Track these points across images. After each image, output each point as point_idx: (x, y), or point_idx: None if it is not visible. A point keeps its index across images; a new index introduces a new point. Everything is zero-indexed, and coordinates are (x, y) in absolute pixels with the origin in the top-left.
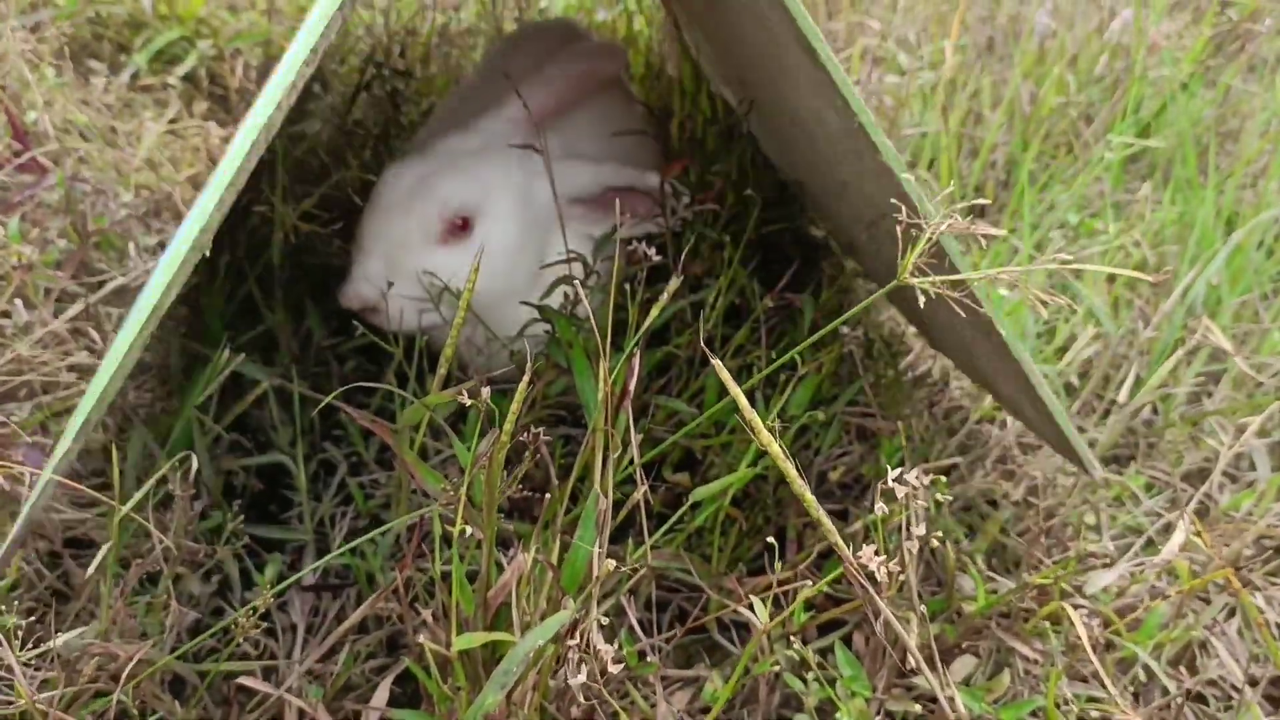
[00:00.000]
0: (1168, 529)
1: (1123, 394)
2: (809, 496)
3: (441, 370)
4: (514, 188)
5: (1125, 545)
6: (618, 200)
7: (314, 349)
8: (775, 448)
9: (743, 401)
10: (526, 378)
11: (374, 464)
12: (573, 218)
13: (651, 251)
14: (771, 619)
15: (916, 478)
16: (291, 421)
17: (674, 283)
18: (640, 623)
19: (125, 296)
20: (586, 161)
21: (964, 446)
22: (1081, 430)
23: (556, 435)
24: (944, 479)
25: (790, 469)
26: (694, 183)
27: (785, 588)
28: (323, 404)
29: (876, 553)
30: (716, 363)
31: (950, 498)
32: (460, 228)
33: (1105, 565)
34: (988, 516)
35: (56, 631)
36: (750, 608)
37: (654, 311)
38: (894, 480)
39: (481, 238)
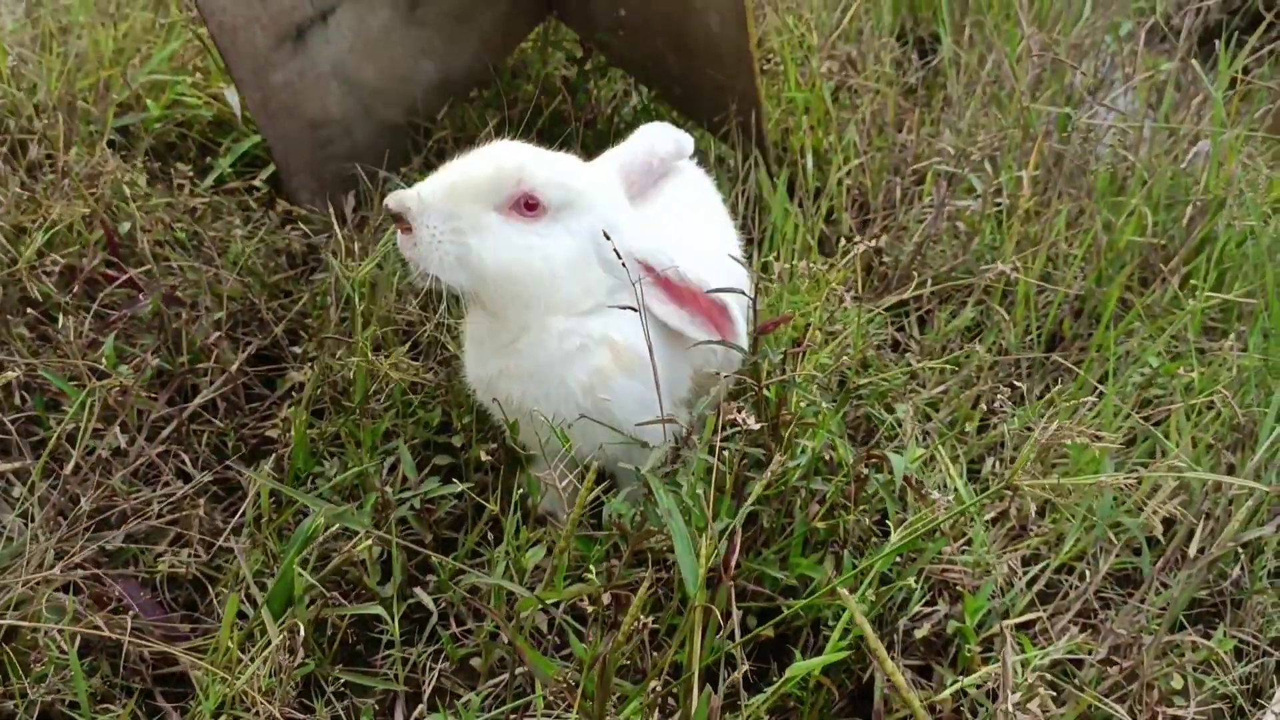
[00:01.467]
0: (1256, 696)
1: (1192, 547)
2: (909, 698)
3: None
4: (592, 207)
5: (1215, 714)
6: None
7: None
8: (869, 631)
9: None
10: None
11: (463, 609)
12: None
13: (750, 419)
14: None
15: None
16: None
17: (775, 465)
18: None
19: (214, 410)
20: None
21: (1044, 595)
22: (1165, 586)
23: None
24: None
25: (883, 652)
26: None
27: None
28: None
29: None
30: (847, 598)
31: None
32: (529, 207)
33: None
34: (1072, 675)
35: None
36: None
37: (756, 489)
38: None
39: (544, 231)
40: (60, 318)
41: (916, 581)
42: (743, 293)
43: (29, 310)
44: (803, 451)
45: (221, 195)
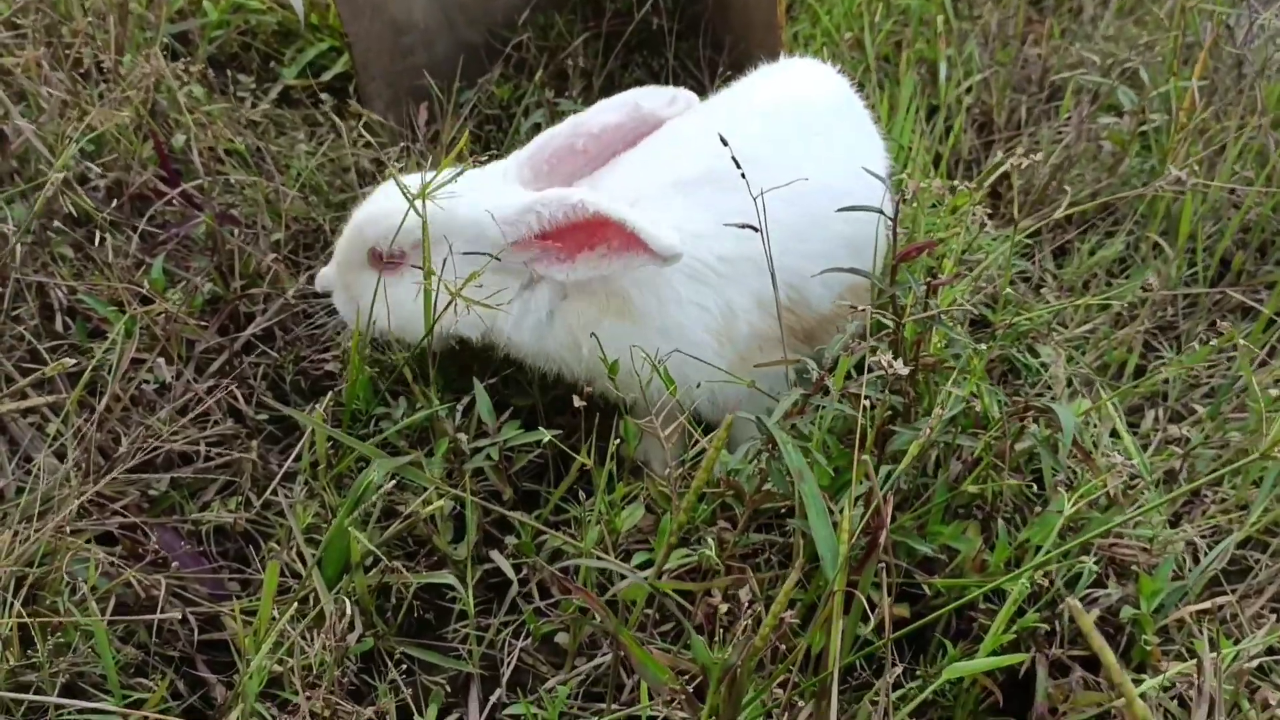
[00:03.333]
0: None
1: None
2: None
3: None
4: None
5: None
6: None
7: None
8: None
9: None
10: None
11: (546, 573)
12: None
13: (898, 364)
14: None
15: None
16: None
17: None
18: None
19: (271, 343)
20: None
21: (1228, 574)
22: None
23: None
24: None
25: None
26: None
27: None
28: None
29: None
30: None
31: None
32: (389, 260)
33: None
34: (1268, 672)
35: None
36: None
37: (912, 449)
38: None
39: (416, 276)
40: (102, 236)
41: (1087, 558)
42: (881, 211)
43: (73, 228)
44: (950, 400)
45: (285, 108)
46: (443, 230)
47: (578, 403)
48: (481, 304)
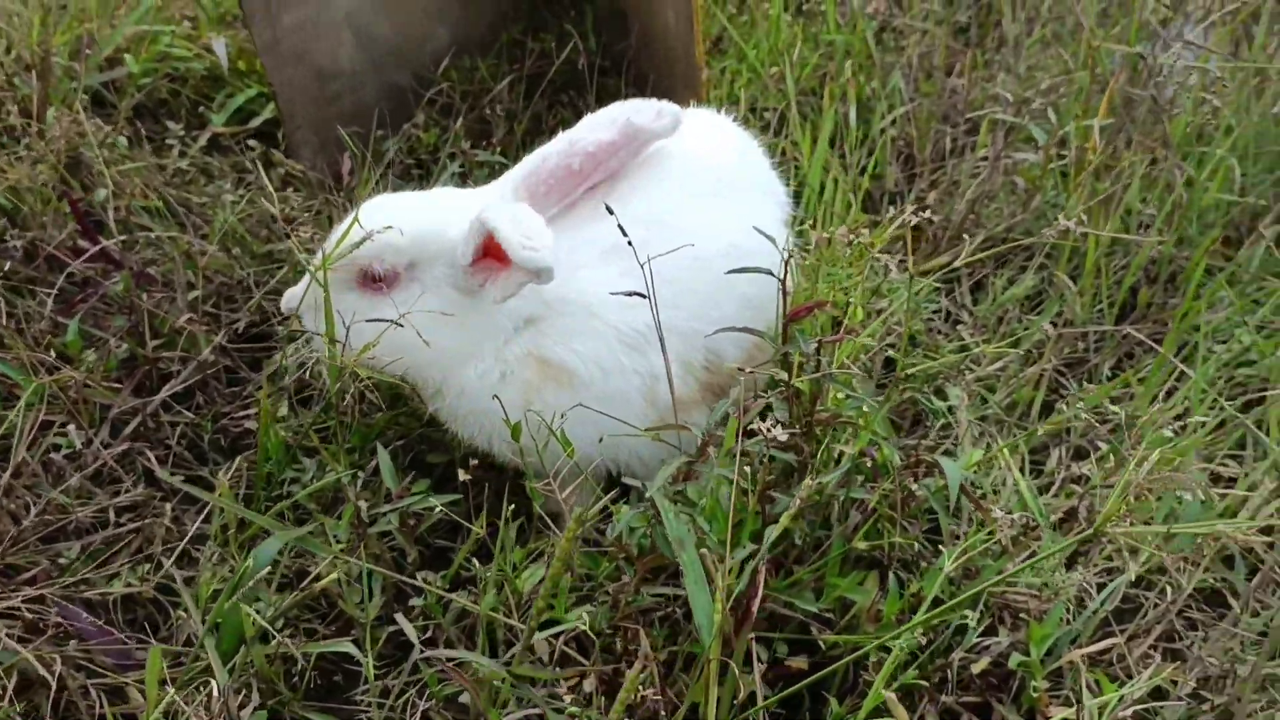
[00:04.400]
0: None
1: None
2: None
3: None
4: (441, 252)
5: None
6: None
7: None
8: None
9: None
10: None
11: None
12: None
13: (777, 430)
14: None
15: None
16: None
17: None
18: None
19: (188, 401)
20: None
21: (1119, 613)
22: (1264, 606)
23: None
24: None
25: None
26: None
27: None
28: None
29: None
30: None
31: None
32: (375, 281)
33: None
34: (1155, 714)
35: None
36: None
37: (783, 520)
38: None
39: (400, 299)
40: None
41: (974, 608)
42: (769, 272)
43: None
44: (840, 460)
45: (215, 155)
46: (434, 253)
47: (463, 476)
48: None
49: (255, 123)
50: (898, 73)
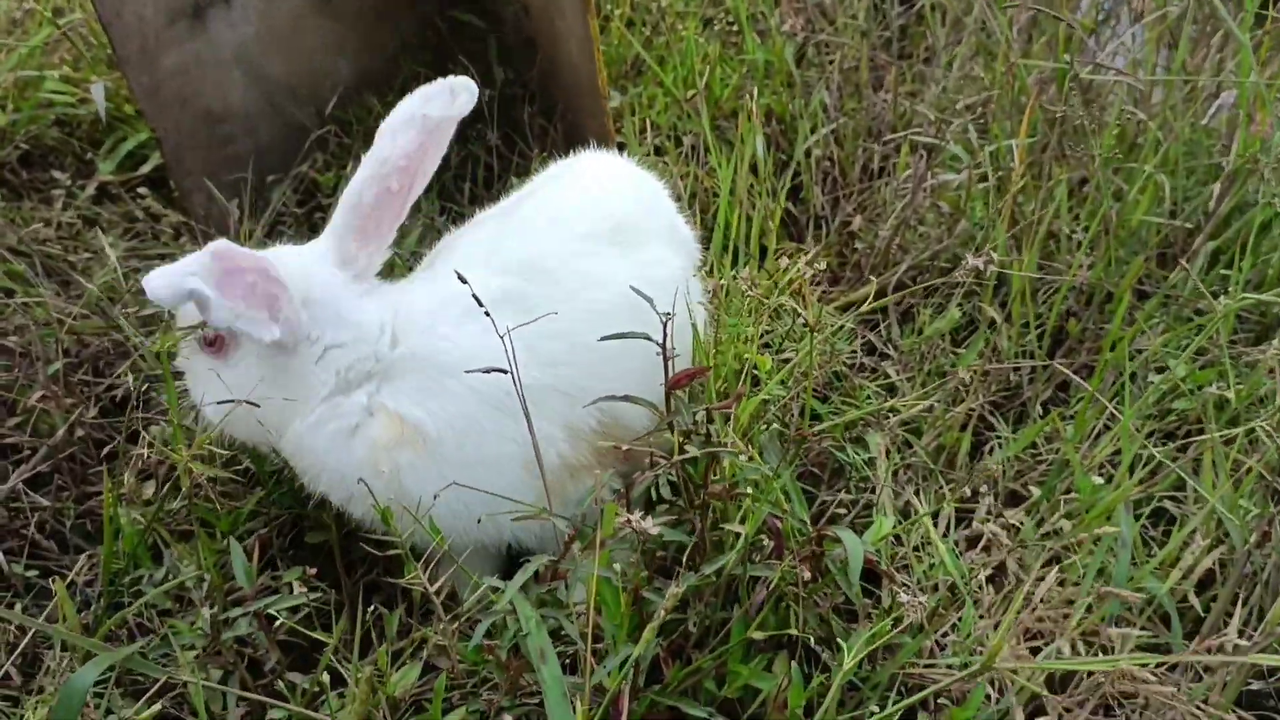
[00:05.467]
0: None
1: (1231, 629)
2: None
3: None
4: None
5: None
6: None
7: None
8: None
9: None
10: None
11: None
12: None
13: (647, 523)
14: None
15: None
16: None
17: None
18: None
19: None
20: None
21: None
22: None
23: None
24: None
25: None
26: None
27: None
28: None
29: None
30: None
31: None
32: (209, 344)
33: None
34: None
35: None
36: None
37: (646, 634)
38: None
39: (235, 360)
40: None
41: (888, 691)
42: (647, 337)
43: None
44: (734, 542)
45: (106, 204)
46: None
47: (299, 589)
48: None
49: (146, 168)
50: (821, 89)
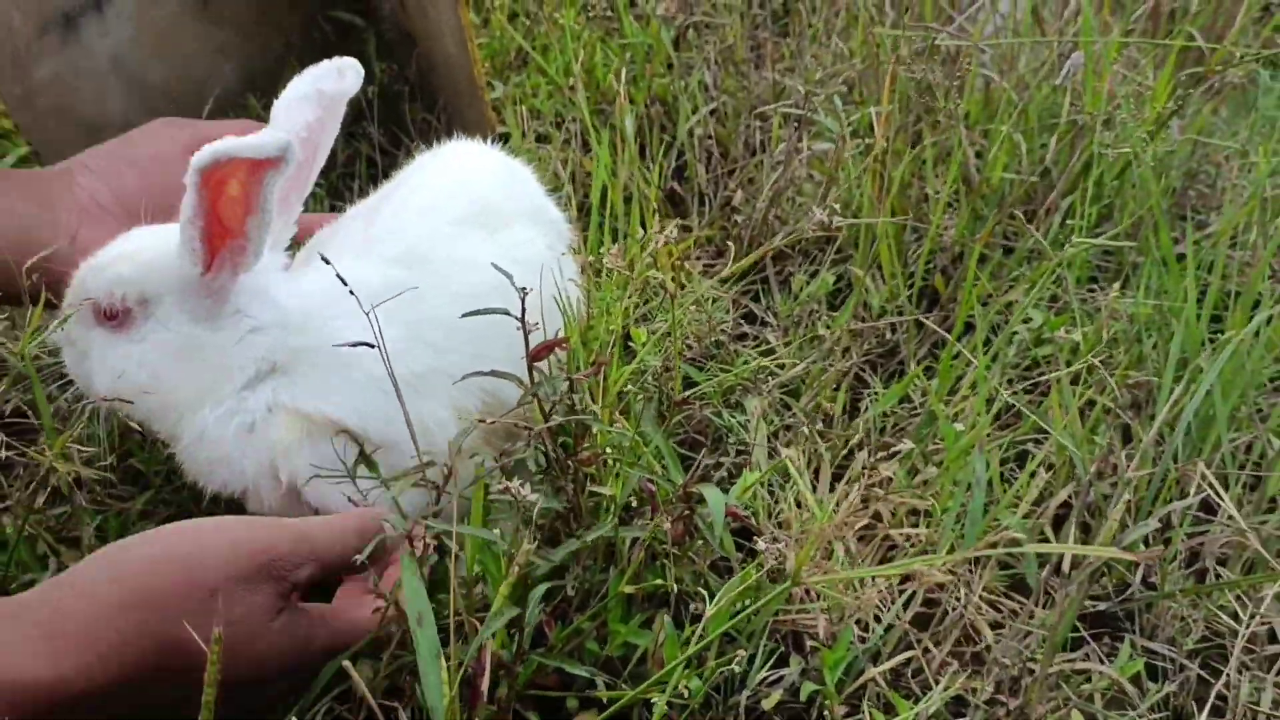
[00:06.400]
0: None
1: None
2: None
3: None
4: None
5: None
6: None
7: None
8: None
9: None
10: None
11: None
12: None
13: (526, 491)
14: None
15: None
16: None
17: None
18: None
19: None
20: None
21: (919, 618)
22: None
23: None
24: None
25: None
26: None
27: None
28: None
29: None
30: None
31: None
32: (109, 317)
33: None
34: None
35: None
36: None
37: (502, 591)
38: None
39: (139, 335)
40: None
41: (759, 637)
42: (506, 312)
43: None
44: (609, 509)
45: None
46: (163, 283)
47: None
48: None
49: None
50: (701, 69)
